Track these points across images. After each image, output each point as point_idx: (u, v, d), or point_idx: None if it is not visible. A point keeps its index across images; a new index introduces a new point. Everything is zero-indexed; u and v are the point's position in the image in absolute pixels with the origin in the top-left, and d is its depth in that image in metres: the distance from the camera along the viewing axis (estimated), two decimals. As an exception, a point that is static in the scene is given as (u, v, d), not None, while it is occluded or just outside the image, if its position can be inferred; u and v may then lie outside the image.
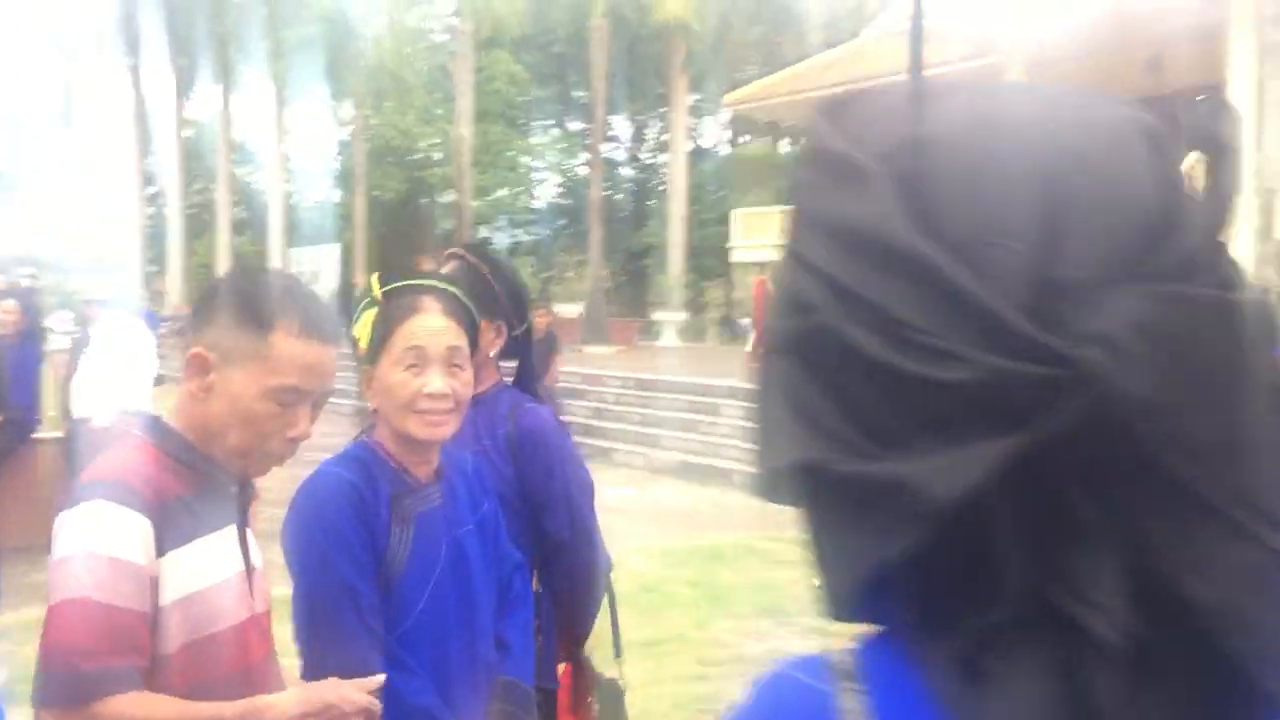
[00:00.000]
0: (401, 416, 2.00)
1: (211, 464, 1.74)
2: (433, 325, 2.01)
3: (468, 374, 2.04)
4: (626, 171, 37.58)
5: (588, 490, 2.54)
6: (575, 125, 38.17)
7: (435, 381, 1.99)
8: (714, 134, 38.54)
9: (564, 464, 2.49)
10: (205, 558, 1.67)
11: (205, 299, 1.81)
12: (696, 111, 34.35)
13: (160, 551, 1.60)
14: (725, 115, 34.68)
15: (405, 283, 2.08)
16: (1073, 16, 18.80)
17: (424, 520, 2.05)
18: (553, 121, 37.96)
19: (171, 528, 1.65)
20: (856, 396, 0.52)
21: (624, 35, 29.12)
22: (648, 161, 38.82)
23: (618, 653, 2.63)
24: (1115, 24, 19.50)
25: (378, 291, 2.05)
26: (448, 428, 2.02)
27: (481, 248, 2.71)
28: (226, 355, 1.69)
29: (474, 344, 2.08)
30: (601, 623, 2.61)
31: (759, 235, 27.21)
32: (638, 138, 38.94)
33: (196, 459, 1.73)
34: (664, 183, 33.41)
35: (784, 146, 36.50)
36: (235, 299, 1.73)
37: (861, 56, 27.03)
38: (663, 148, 37.13)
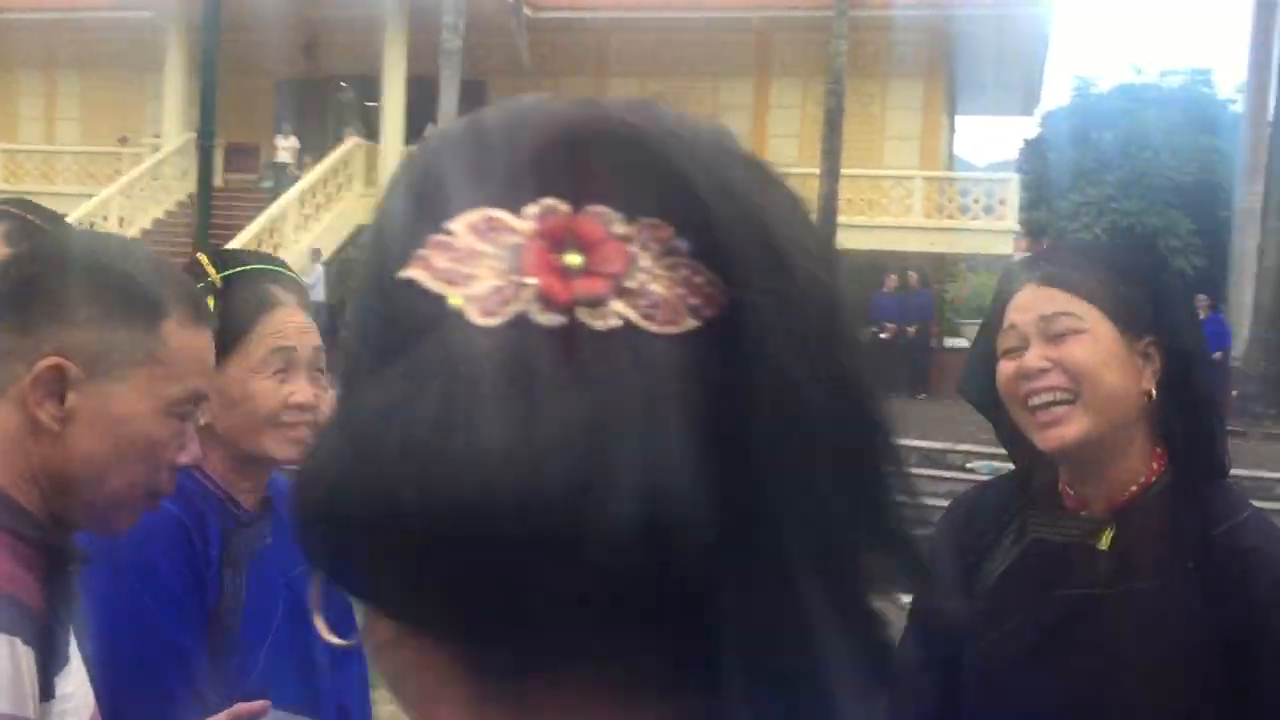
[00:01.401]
0: (259, 433, 1.59)
1: (59, 533, 1.24)
2: (297, 321, 1.63)
3: (326, 382, 1.68)
4: None
5: None
6: None
7: (304, 390, 1.62)
8: None
9: None
10: (75, 678, 1.21)
11: (33, 280, 1.19)
12: None
13: (46, 692, 1.13)
14: None
15: (249, 267, 1.63)
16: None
17: (258, 563, 1.65)
18: None
19: (51, 648, 1.18)
20: None
21: None
22: None
23: None
24: (275, 5, 19.97)
25: (215, 276, 1.58)
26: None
27: (34, 205, 2.10)
28: (98, 362, 1.17)
29: None
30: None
31: None
32: None
33: (45, 532, 1.22)
34: None
35: None
36: (105, 278, 1.22)
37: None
38: None
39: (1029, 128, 28.56)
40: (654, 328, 0.34)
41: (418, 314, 0.35)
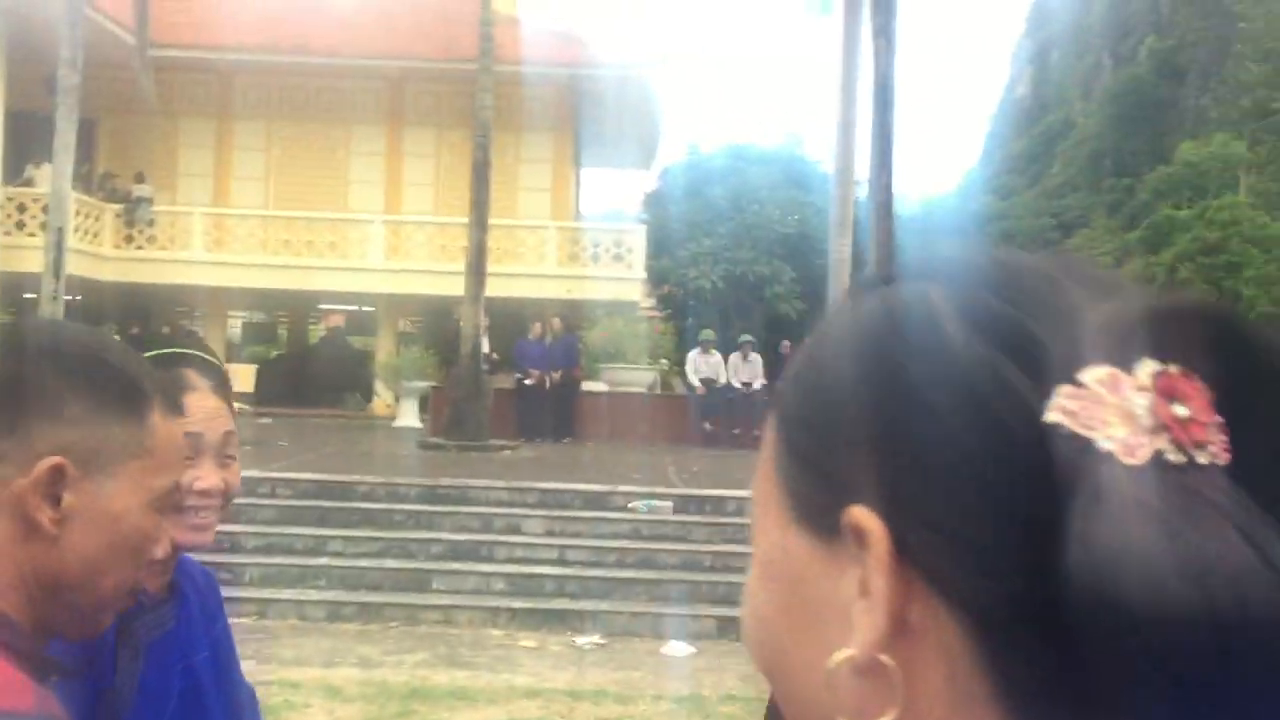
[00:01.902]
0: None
1: (42, 643, 1.22)
2: (208, 406, 1.61)
3: (238, 466, 1.67)
4: None
5: None
6: None
7: (209, 476, 1.62)
8: None
9: None
10: None
11: (14, 377, 1.21)
12: None
13: None
14: None
15: (165, 350, 1.60)
16: None
17: (159, 646, 1.60)
18: None
19: None
20: None
21: None
22: None
23: None
24: None
25: (126, 360, 1.55)
26: (213, 531, 1.63)
27: None
28: (93, 459, 1.13)
29: None
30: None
31: None
32: None
33: (38, 646, 1.20)
34: None
35: None
36: (91, 370, 1.15)
37: None
38: None
39: (648, 182, 30.27)
40: (1220, 463, 0.45)
41: (1062, 454, 0.45)
